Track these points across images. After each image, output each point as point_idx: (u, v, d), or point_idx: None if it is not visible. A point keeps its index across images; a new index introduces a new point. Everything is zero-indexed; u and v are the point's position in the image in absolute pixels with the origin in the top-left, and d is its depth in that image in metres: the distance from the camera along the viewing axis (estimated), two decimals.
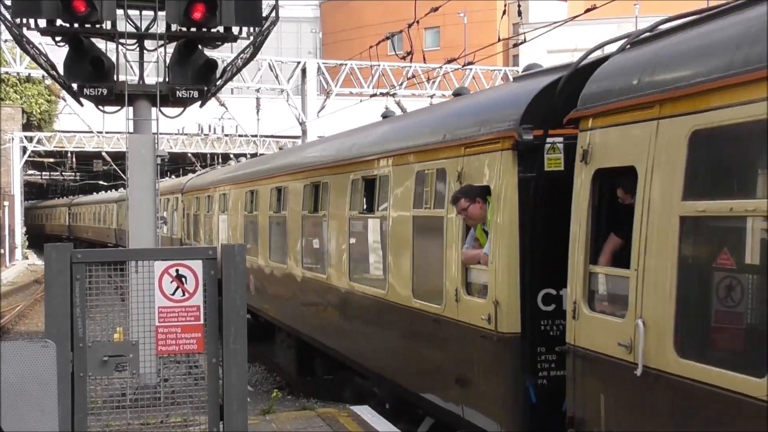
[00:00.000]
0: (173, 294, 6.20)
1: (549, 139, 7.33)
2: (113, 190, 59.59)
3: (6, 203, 47.02)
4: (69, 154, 54.62)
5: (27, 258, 52.12)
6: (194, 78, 12.50)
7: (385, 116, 13.20)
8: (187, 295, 6.22)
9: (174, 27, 12.25)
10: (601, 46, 7.45)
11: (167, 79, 12.57)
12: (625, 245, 6.03)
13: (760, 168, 4.87)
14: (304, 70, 38.97)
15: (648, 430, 5.66)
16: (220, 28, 12.20)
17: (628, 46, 6.65)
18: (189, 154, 51.59)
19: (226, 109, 39.42)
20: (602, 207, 6.42)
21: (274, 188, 15.58)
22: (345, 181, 11.63)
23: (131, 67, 23.79)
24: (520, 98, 7.71)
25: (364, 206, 11.04)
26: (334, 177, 12.18)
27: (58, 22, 11.72)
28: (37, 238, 60.92)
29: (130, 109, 12.67)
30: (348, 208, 11.52)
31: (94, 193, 65.07)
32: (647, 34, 6.54)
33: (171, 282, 6.19)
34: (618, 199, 6.30)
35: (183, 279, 6.21)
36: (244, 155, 42.44)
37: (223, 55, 23.44)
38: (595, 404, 6.20)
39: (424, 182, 9.16)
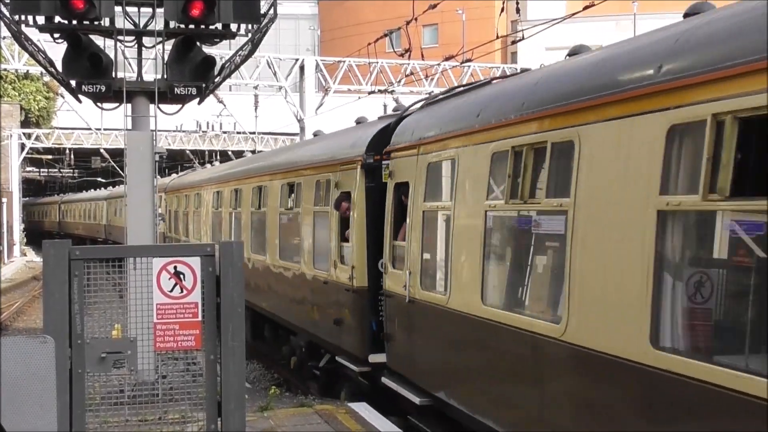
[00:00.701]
0: (171, 291, 6.21)
1: (385, 162, 11.05)
2: (103, 188, 59.66)
3: (4, 200, 46.97)
4: (67, 151, 54.48)
5: (25, 255, 52.04)
6: (192, 75, 12.51)
7: (315, 134, 17.35)
8: (185, 292, 6.23)
9: (172, 24, 12.25)
10: (420, 101, 11.39)
11: (165, 76, 12.57)
12: None
13: (446, 183, 9.03)
14: (302, 67, 38.94)
15: (412, 333, 9.88)
16: (219, 26, 12.22)
17: (425, 104, 10.79)
18: (187, 151, 51.49)
19: (225, 106, 39.39)
20: (400, 205, 10.36)
21: (233, 190, 19.45)
22: (277, 185, 15.56)
23: (129, 64, 23.75)
24: (369, 134, 11.73)
25: (288, 204, 14.89)
26: (271, 182, 16.12)
27: (57, 18, 11.71)
28: (34, 235, 60.87)
29: (129, 106, 12.66)
30: (278, 205, 15.41)
31: (84, 191, 65.12)
32: (440, 96, 10.54)
33: (169, 279, 6.19)
34: (404, 201, 10.15)
35: (181, 276, 6.22)
36: (242, 152, 42.41)
37: (221, 52, 23.37)
38: (393, 323, 10.45)
39: (319, 188, 13.11)
